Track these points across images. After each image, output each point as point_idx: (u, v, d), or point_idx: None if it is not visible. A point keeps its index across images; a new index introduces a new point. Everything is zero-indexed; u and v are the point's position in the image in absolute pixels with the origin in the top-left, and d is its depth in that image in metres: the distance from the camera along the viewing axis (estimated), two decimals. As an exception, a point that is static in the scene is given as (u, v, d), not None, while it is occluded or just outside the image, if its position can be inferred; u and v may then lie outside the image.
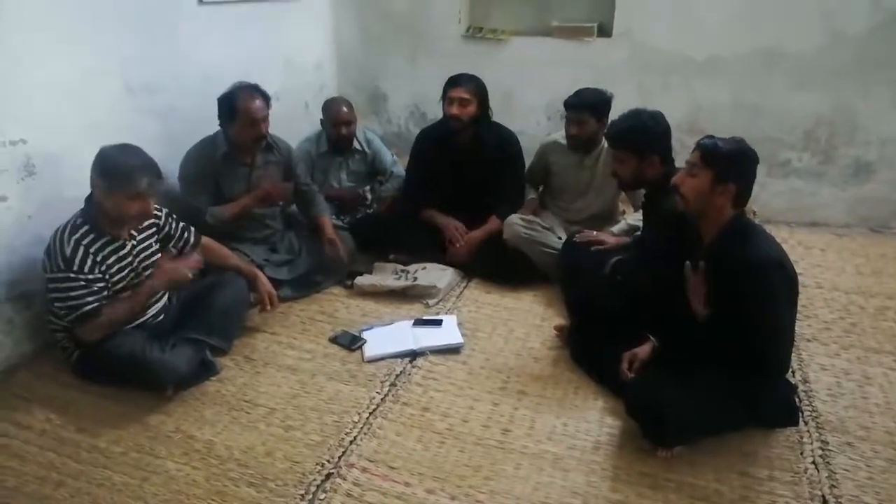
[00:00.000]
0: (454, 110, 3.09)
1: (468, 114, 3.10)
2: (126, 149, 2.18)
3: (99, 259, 2.20)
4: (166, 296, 2.52)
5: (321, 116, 3.46)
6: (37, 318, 2.51)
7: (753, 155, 1.99)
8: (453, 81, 3.13)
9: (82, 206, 2.24)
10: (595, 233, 2.99)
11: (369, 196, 3.56)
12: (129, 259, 2.30)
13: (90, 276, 2.18)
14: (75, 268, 2.15)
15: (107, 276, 2.23)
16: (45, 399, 2.31)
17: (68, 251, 2.15)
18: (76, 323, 2.20)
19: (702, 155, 1.99)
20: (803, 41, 3.52)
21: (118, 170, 2.12)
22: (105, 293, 2.23)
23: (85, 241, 2.18)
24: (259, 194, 2.89)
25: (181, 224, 2.52)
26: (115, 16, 2.68)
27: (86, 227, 2.19)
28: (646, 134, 2.42)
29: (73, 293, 2.16)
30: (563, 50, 3.92)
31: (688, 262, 2.10)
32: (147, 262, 2.37)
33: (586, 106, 2.97)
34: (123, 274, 2.29)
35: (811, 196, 3.80)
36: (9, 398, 2.31)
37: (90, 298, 2.19)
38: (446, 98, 3.13)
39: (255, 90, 2.79)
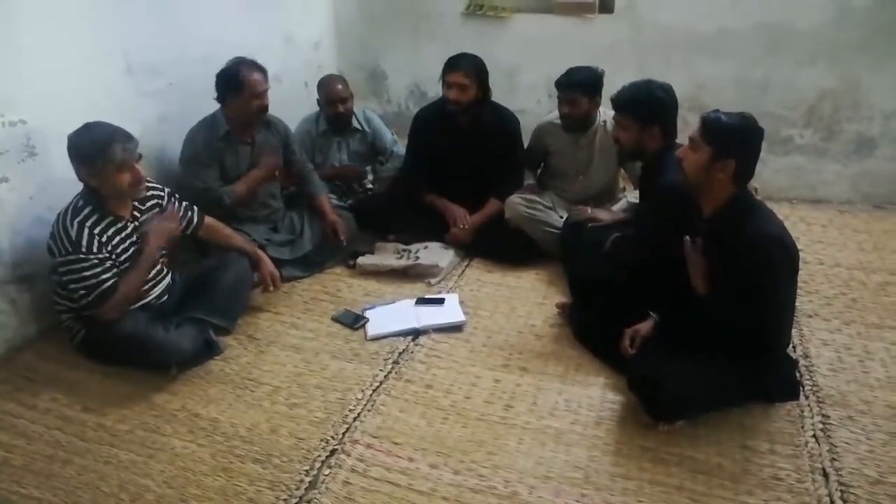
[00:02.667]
0: (453, 95, 3.04)
1: (467, 98, 3.06)
2: (89, 127, 2.16)
3: (104, 239, 2.20)
4: (170, 275, 2.52)
5: (317, 97, 3.44)
6: (40, 299, 2.52)
7: (757, 131, 1.96)
8: (452, 65, 3.06)
9: (82, 187, 2.23)
10: (590, 210, 2.98)
11: (370, 176, 3.55)
12: (133, 238, 2.31)
13: (100, 255, 2.18)
14: (84, 249, 2.15)
15: (112, 256, 2.23)
16: (50, 379, 2.33)
17: (73, 233, 2.14)
18: (96, 302, 2.20)
19: (702, 129, 1.98)
20: (808, 15, 3.48)
21: (90, 149, 2.11)
22: (115, 270, 2.23)
23: (88, 223, 2.18)
24: (264, 165, 2.91)
25: (184, 204, 2.53)
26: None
27: (88, 209, 2.19)
28: (652, 103, 2.41)
29: (87, 272, 2.16)
30: (564, 27, 3.89)
31: (687, 238, 2.10)
32: None
33: (577, 84, 2.94)
34: (129, 254, 2.29)
35: (813, 172, 3.78)
36: (14, 379, 2.33)
37: (105, 276, 2.19)
38: (444, 82, 3.09)
39: (254, 64, 2.79)
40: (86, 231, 2.16)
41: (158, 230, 2.36)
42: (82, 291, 2.18)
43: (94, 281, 2.17)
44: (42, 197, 2.47)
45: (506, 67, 3.90)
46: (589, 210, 2.99)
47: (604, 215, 2.95)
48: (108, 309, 2.22)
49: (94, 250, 2.17)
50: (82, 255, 2.15)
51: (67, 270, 2.17)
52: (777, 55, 3.61)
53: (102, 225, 2.20)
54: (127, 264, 2.28)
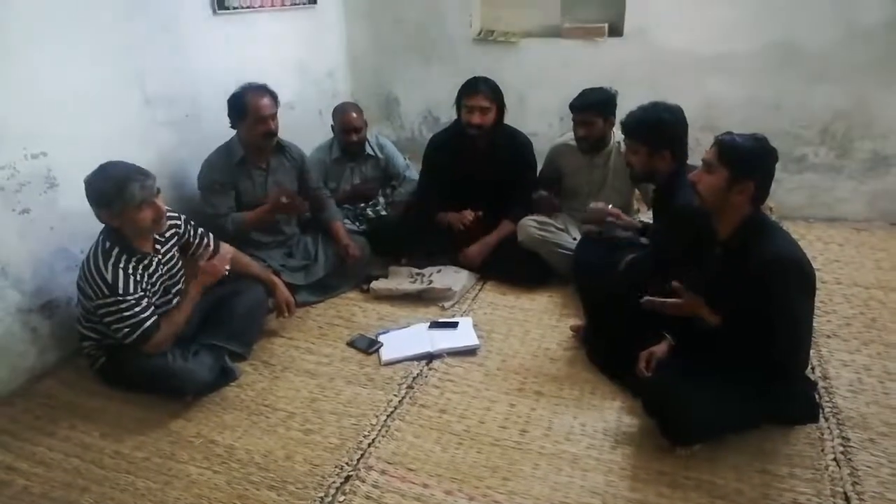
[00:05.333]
0: (476, 119, 3.07)
1: (489, 121, 3.10)
2: (102, 169, 2.17)
3: (138, 278, 2.23)
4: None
5: (332, 122, 3.49)
6: (60, 327, 2.56)
7: (772, 153, 1.96)
8: (471, 88, 3.09)
9: (103, 225, 2.25)
10: (611, 206, 2.88)
11: (381, 200, 3.58)
12: (159, 272, 2.34)
13: (137, 294, 2.21)
14: (121, 291, 2.17)
15: (147, 292, 2.27)
16: (69, 406, 2.35)
17: (109, 277, 2.16)
18: (141, 340, 2.22)
19: (719, 152, 1.98)
20: (818, 35, 3.50)
21: (108, 192, 2.13)
22: (153, 308, 2.27)
23: (122, 265, 2.20)
24: (275, 205, 2.91)
25: (200, 230, 2.56)
26: (130, 27, 2.73)
27: (116, 250, 2.20)
28: (658, 127, 2.41)
29: (127, 313, 2.19)
30: (574, 51, 3.93)
31: (674, 283, 2.09)
32: (173, 271, 2.41)
33: (591, 106, 2.97)
34: (156, 288, 2.33)
35: (829, 191, 3.77)
36: (34, 406, 2.36)
37: (144, 315, 2.22)
38: (464, 106, 3.11)
39: (262, 88, 2.84)
40: (121, 273, 2.18)
41: (208, 270, 2.39)
42: (126, 330, 2.20)
43: (136, 320, 2.20)
44: (63, 227, 2.52)
45: (517, 92, 3.94)
46: (610, 206, 2.89)
47: (623, 216, 2.90)
48: (153, 345, 2.25)
49: (132, 291, 2.19)
50: (120, 297, 2.17)
51: (107, 312, 2.19)
52: (787, 75, 3.61)
53: (133, 264, 2.23)
54: (155, 298, 2.31)
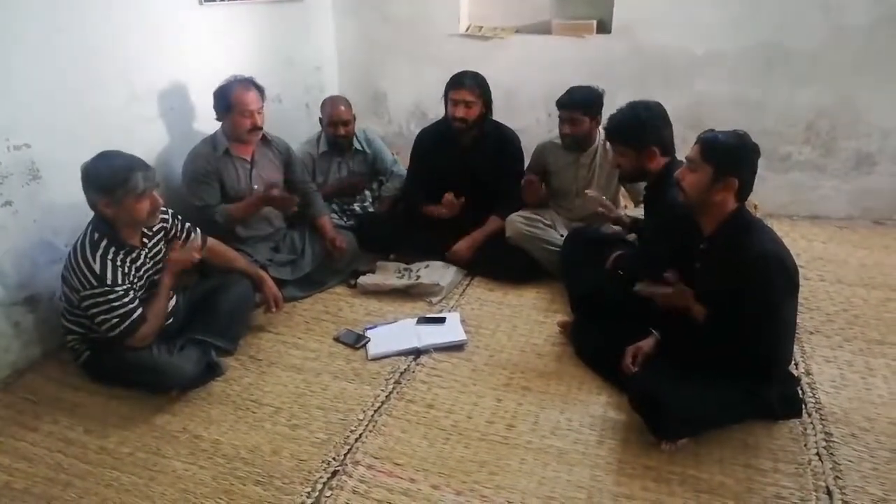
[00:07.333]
0: (459, 113, 3.07)
1: (473, 115, 3.09)
2: (105, 156, 2.14)
3: (126, 270, 2.21)
4: (175, 298, 2.53)
5: (320, 115, 3.47)
6: (44, 321, 2.53)
7: (754, 148, 1.98)
8: (457, 82, 3.09)
9: (86, 211, 2.22)
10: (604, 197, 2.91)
11: (368, 195, 3.57)
12: (147, 266, 2.32)
13: (125, 286, 2.19)
14: (109, 281, 2.15)
15: (134, 285, 2.25)
16: (52, 401, 2.33)
17: (97, 267, 2.14)
18: (128, 332, 2.19)
19: (701, 149, 1.99)
20: (804, 35, 3.52)
21: (112, 179, 2.10)
22: (138, 301, 2.24)
23: (110, 256, 2.17)
24: (266, 196, 2.89)
25: (187, 225, 2.54)
26: (116, 18, 2.70)
27: (105, 241, 2.18)
28: (639, 127, 2.42)
29: (115, 303, 2.16)
30: (563, 47, 3.93)
31: (667, 274, 2.11)
32: (160, 266, 2.39)
33: (578, 104, 2.96)
34: (142, 282, 2.31)
35: (813, 189, 3.80)
36: (17, 401, 2.34)
37: (132, 306, 2.20)
38: (450, 100, 3.12)
39: (249, 82, 2.82)
40: (109, 264, 2.16)
41: (178, 259, 2.39)
42: (114, 321, 2.17)
43: (123, 311, 2.17)
44: (46, 220, 2.49)
45: (505, 87, 3.93)
46: (604, 197, 2.89)
47: (614, 209, 2.89)
48: (139, 338, 2.23)
49: (119, 282, 2.17)
50: (108, 288, 2.14)
51: (94, 304, 2.16)
52: (773, 74, 3.64)
53: (120, 256, 2.21)
54: (141, 292, 2.29)
